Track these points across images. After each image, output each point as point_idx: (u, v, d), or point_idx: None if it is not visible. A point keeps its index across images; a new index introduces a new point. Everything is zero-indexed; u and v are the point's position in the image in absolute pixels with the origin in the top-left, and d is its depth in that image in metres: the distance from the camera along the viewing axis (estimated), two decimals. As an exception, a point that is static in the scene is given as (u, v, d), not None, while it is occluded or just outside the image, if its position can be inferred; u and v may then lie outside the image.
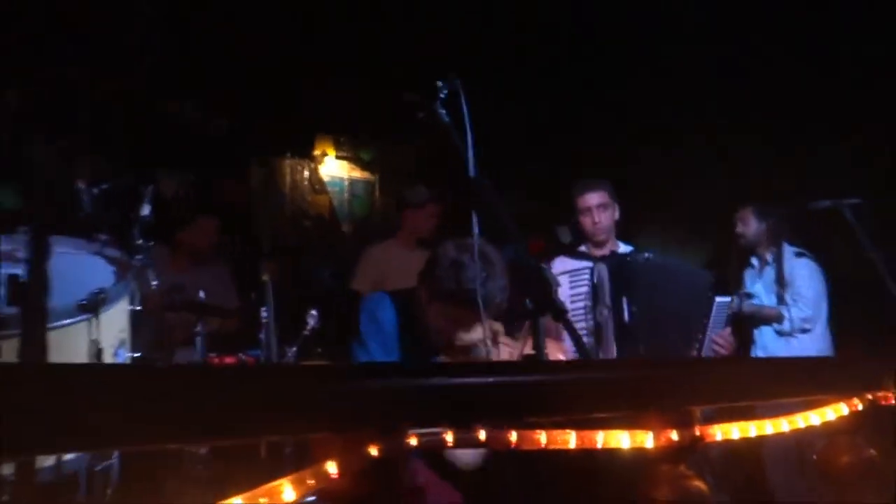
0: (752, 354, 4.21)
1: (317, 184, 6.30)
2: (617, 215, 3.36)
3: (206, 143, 5.53)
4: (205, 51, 5.18)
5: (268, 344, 3.57)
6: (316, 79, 5.53)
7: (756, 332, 4.26)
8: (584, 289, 3.00)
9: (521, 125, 5.52)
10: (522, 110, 5.54)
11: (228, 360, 3.75)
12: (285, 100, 5.63)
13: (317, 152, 6.32)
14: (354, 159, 6.47)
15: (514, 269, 1.98)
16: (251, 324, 3.87)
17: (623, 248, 3.37)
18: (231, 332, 4.30)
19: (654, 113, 5.19)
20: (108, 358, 1.77)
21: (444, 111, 1.95)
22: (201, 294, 3.68)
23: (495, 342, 2.23)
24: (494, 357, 2.23)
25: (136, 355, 2.00)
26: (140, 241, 2.08)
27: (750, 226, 4.26)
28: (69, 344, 1.64)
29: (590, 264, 3.09)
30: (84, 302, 1.66)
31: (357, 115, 5.92)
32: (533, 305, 1.53)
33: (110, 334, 1.76)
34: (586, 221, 3.30)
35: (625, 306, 2.91)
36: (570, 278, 3.00)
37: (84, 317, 1.65)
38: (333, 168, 6.39)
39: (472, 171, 1.84)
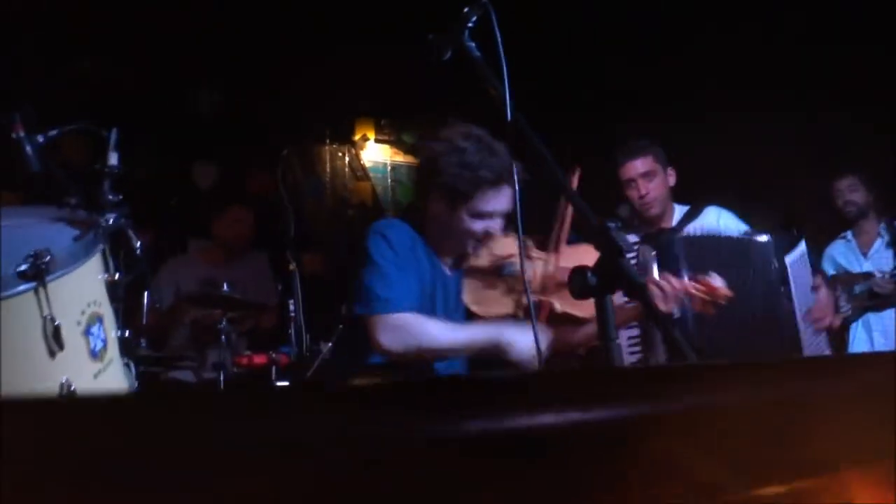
0: (868, 336, 3.69)
1: (358, 170, 5.97)
2: (672, 181, 2.83)
3: (239, 130, 5.26)
4: (228, 32, 4.89)
5: (298, 340, 3.24)
6: (351, 55, 5.18)
7: (873, 315, 3.69)
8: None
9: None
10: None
11: (258, 358, 3.46)
12: (320, 82, 5.30)
13: (357, 136, 5.98)
14: (397, 142, 6.11)
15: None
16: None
17: (680, 214, 2.83)
18: (268, 329, 4.02)
19: (723, 67, 4.62)
20: (73, 337, 1.40)
21: (473, 44, 1.57)
22: (225, 288, 3.38)
23: (528, 255, 1.99)
24: (529, 275, 1.92)
25: (124, 335, 1.62)
26: (110, 197, 1.71)
27: (859, 193, 3.79)
28: (14, 323, 1.29)
29: (634, 242, 2.63)
30: (23, 269, 1.30)
31: (397, 94, 5.55)
32: (598, 278, 1.12)
33: (72, 308, 1.40)
34: (632, 194, 2.78)
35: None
36: None
37: (24, 286, 1.29)
38: (375, 153, 6.05)
39: (509, 113, 1.44)
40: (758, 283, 2.42)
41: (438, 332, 1.82)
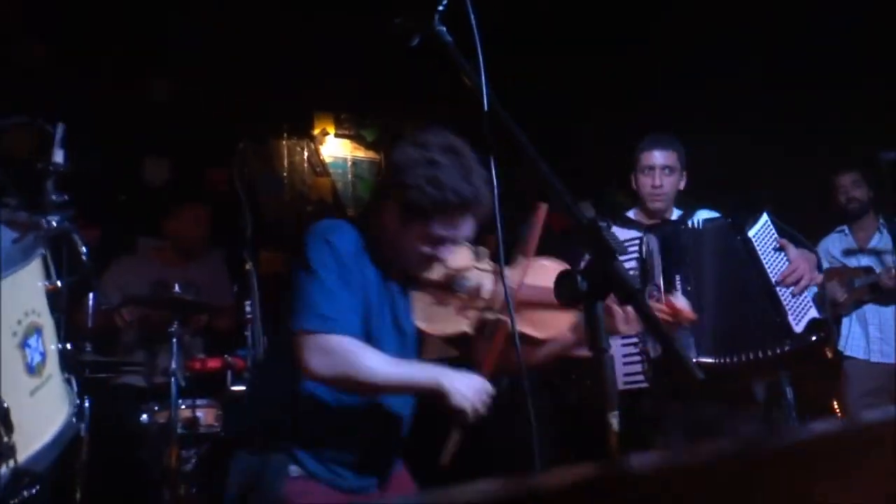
0: (863, 330, 3.72)
1: (317, 165, 5.81)
2: (683, 184, 2.84)
3: (194, 124, 5.06)
4: (183, 20, 4.69)
5: (254, 342, 3.09)
6: (310, 48, 5.03)
7: (868, 306, 3.73)
8: (633, 264, 2.50)
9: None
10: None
11: (213, 362, 3.31)
12: (279, 74, 5.14)
13: (316, 131, 5.82)
14: (357, 138, 5.97)
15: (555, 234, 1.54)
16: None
17: (676, 215, 2.85)
18: (225, 331, 3.86)
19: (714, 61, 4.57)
20: (8, 349, 1.25)
21: (443, 28, 1.46)
22: (177, 289, 3.21)
23: (482, 268, 1.86)
24: (486, 287, 1.84)
25: (64, 347, 1.47)
26: (54, 197, 1.56)
27: (862, 189, 3.81)
28: None
29: (639, 234, 2.59)
30: None
31: (358, 88, 5.42)
32: (588, 283, 1.02)
33: (7, 317, 1.27)
34: (645, 182, 2.77)
35: (678, 285, 2.42)
36: None
37: None
38: (335, 147, 5.89)
39: (486, 103, 1.33)
40: (738, 266, 2.50)
41: (376, 366, 1.64)
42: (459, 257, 1.85)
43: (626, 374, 2.38)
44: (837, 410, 3.82)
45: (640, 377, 2.36)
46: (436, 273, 1.84)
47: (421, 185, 1.66)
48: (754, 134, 4.60)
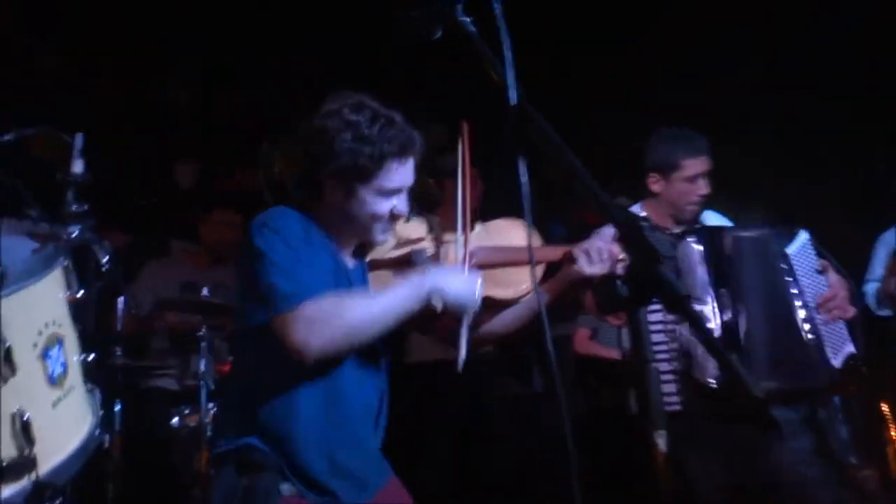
0: None
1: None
2: None
3: (221, 127, 5.06)
4: (208, 26, 4.69)
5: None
6: (334, 48, 4.99)
7: None
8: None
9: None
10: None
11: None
12: (305, 75, 5.11)
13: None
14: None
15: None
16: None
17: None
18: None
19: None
20: (28, 361, 1.22)
21: (467, 18, 1.38)
22: (205, 293, 3.19)
23: (439, 239, 1.80)
24: (443, 258, 1.79)
25: (87, 357, 1.44)
26: (74, 208, 1.53)
27: None
28: None
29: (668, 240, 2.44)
30: None
31: (382, 87, 5.35)
32: (629, 288, 0.95)
33: (27, 328, 1.25)
34: (689, 190, 2.51)
35: (724, 301, 2.21)
36: None
37: None
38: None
39: (512, 96, 1.26)
40: (787, 288, 2.33)
41: (362, 306, 1.58)
42: (412, 230, 1.81)
43: (666, 394, 2.11)
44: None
45: (675, 398, 2.13)
46: (391, 250, 1.80)
47: (352, 148, 1.62)
48: (759, 135, 4.48)
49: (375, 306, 1.60)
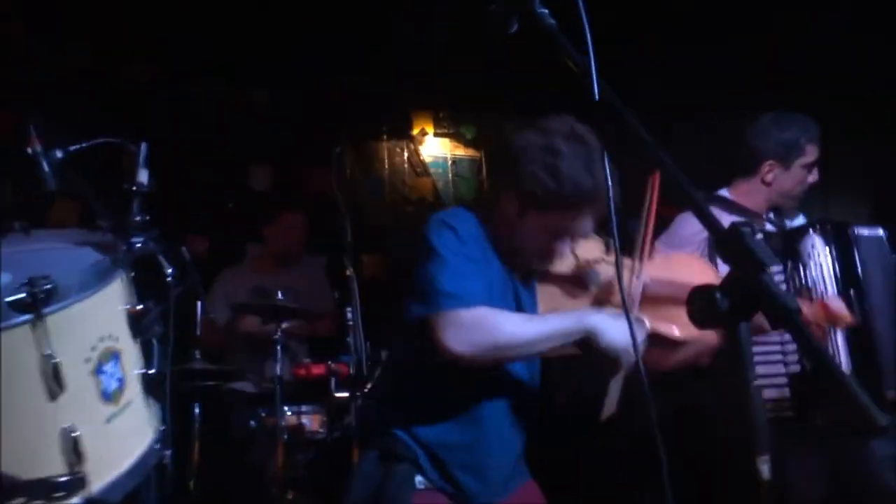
0: None
1: (418, 166, 5.75)
2: None
3: (294, 130, 5.10)
4: (278, 29, 4.72)
5: (356, 348, 3.04)
6: (404, 45, 4.96)
7: None
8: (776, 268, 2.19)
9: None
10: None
11: (317, 369, 3.29)
12: (376, 75, 5.11)
13: (415, 131, 5.76)
14: (457, 136, 5.86)
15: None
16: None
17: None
18: (326, 336, 3.85)
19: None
20: (80, 376, 1.20)
21: (545, 10, 1.30)
22: (280, 296, 3.20)
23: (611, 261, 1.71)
24: (613, 280, 1.70)
25: (149, 372, 1.41)
26: (138, 218, 1.52)
27: None
28: (6, 360, 1.11)
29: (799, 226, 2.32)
30: (18, 298, 1.10)
31: (455, 85, 5.30)
32: (730, 301, 0.85)
33: (79, 343, 1.22)
34: (804, 179, 2.41)
35: (854, 300, 2.12)
36: None
37: (17, 319, 1.09)
38: (434, 147, 5.81)
39: (596, 90, 1.17)
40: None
41: (516, 327, 1.55)
42: (590, 249, 1.74)
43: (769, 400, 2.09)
44: None
45: (787, 404, 2.09)
46: (565, 265, 1.73)
47: (538, 174, 1.58)
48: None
49: (530, 330, 1.57)
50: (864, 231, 2.28)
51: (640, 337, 1.57)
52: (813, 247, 2.18)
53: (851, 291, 2.13)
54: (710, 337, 1.69)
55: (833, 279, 2.16)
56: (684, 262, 1.75)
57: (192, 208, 4.67)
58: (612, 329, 1.54)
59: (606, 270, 1.72)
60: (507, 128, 1.68)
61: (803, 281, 2.16)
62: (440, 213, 1.68)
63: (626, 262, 1.76)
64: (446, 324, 1.51)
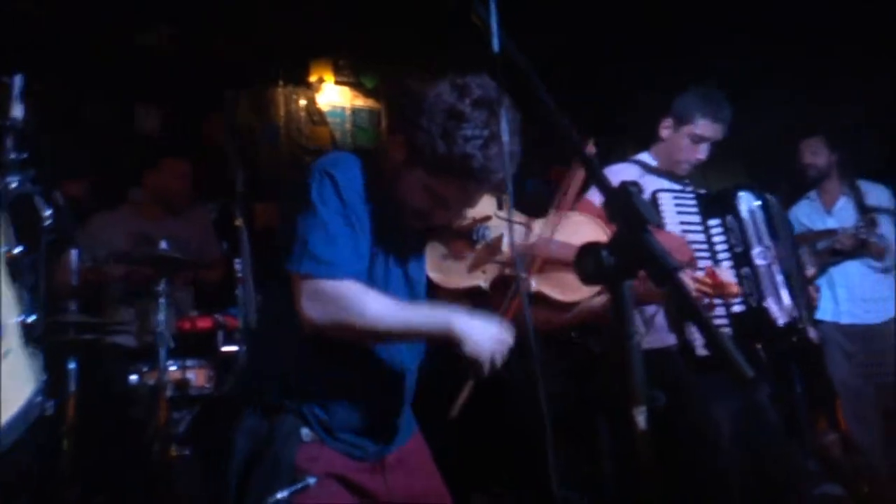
0: (832, 292, 3.71)
1: (315, 114, 5.60)
2: None
3: (186, 71, 4.83)
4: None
5: (246, 301, 2.95)
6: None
7: (835, 268, 3.72)
8: (696, 217, 2.36)
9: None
10: None
11: (203, 322, 3.18)
12: (274, 19, 4.89)
13: (313, 78, 5.59)
14: (356, 85, 5.73)
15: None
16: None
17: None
18: (214, 283, 3.71)
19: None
20: None
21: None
22: (163, 245, 3.05)
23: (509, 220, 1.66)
24: (507, 240, 1.68)
25: (26, 319, 1.31)
26: (13, 156, 1.39)
27: (821, 156, 3.80)
28: None
29: (679, 186, 2.48)
30: None
31: (356, 32, 5.17)
32: (616, 259, 0.86)
33: None
34: (688, 149, 2.57)
35: (781, 252, 2.36)
36: (674, 199, 2.33)
37: None
38: (333, 96, 5.67)
39: (496, 43, 1.16)
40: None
41: (378, 312, 1.49)
42: (481, 206, 1.68)
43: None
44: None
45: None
46: (457, 221, 1.68)
47: (432, 134, 1.49)
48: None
49: (392, 319, 1.51)
50: (771, 195, 2.52)
51: (505, 342, 1.55)
52: (750, 205, 2.37)
53: (778, 245, 2.36)
54: (597, 302, 1.72)
55: (766, 231, 2.35)
56: (580, 223, 1.75)
57: (73, 148, 4.37)
58: (478, 336, 1.51)
59: (496, 227, 1.69)
60: (420, 80, 1.60)
61: (740, 234, 2.34)
62: (324, 159, 1.58)
63: (521, 219, 1.75)
64: (310, 291, 1.46)
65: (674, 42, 4.57)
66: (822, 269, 3.68)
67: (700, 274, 2.02)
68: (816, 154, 3.79)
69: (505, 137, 1.19)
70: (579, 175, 1.68)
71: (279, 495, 1.47)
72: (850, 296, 3.68)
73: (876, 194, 3.73)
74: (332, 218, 1.49)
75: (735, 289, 2.02)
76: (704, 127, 2.54)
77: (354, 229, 1.52)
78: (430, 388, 1.77)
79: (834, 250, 3.58)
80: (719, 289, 1.94)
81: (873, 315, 3.64)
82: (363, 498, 1.60)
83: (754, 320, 2.28)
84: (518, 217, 1.73)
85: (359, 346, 1.60)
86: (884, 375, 3.56)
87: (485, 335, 1.52)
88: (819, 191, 3.84)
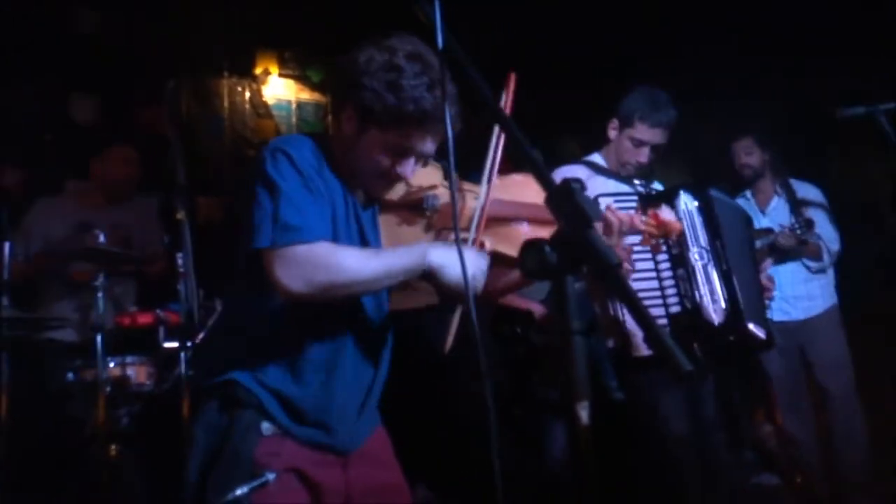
0: None
1: (260, 107, 5.51)
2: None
3: (125, 59, 4.69)
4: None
5: (187, 296, 2.89)
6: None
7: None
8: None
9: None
10: None
11: (144, 318, 3.10)
12: (219, 8, 4.79)
13: (258, 70, 5.50)
14: (302, 78, 5.66)
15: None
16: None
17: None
18: (156, 277, 3.62)
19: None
20: None
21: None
22: (101, 239, 2.97)
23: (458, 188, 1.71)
24: (458, 207, 1.67)
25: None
26: None
27: (754, 156, 3.85)
28: None
29: (629, 188, 2.53)
30: None
31: (302, 24, 5.10)
32: (558, 255, 0.87)
33: None
34: (631, 152, 2.64)
35: (720, 250, 2.36)
36: (615, 203, 2.39)
37: None
38: (278, 88, 5.59)
39: (440, 41, 1.16)
40: (742, 248, 2.54)
41: (357, 264, 1.50)
42: (426, 175, 1.71)
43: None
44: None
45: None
46: (401, 192, 1.69)
47: (379, 90, 1.52)
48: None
49: (370, 267, 1.51)
50: (716, 192, 2.54)
51: (482, 266, 1.58)
52: (686, 205, 2.38)
53: (717, 243, 2.38)
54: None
55: (704, 231, 2.38)
56: (522, 182, 1.81)
57: (4, 136, 4.21)
58: (454, 264, 1.51)
59: (443, 195, 1.71)
60: (354, 48, 1.61)
61: (677, 236, 2.35)
62: (275, 140, 1.59)
63: (470, 186, 1.77)
64: (283, 259, 1.45)
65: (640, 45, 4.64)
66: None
67: (644, 217, 2.06)
68: (751, 154, 3.85)
69: (447, 107, 1.22)
70: (500, 140, 1.73)
71: (238, 491, 1.45)
72: (781, 293, 3.69)
73: (807, 192, 3.81)
74: (293, 188, 1.50)
75: (678, 225, 2.07)
76: (643, 131, 2.61)
77: (315, 196, 1.53)
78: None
79: (772, 248, 3.61)
80: (664, 227, 2.01)
81: (801, 311, 3.73)
82: (321, 495, 1.59)
83: (690, 320, 2.33)
84: (462, 184, 1.75)
85: (326, 330, 1.59)
86: (816, 367, 3.68)
87: (458, 263, 1.51)
88: (753, 190, 3.91)
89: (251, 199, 1.51)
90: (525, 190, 1.80)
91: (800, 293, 3.75)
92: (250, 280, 1.54)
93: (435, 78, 1.52)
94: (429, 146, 1.60)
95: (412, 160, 1.60)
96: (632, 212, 2.07)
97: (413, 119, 1.53)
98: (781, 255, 3.67)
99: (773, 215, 3.81)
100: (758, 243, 3.63)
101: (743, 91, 4.35)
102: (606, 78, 3.31)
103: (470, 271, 1.48)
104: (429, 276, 1.53)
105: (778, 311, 3.73)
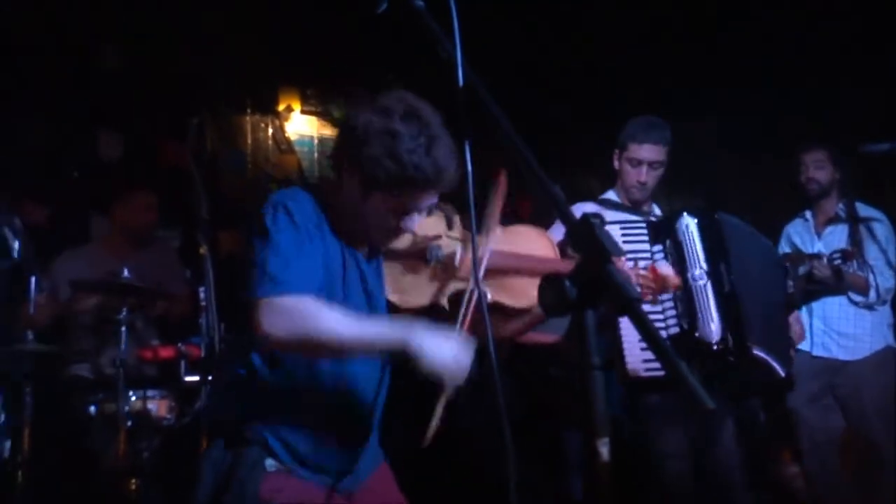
0: (808, 325, 3.41)
1: (282, 143, 5.59)
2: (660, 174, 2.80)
3: (148, 95, 4.79)
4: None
5: (209, 330, 2.91)
6: (275, 19, 4.79)
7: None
8: (646, 245, 2.44)
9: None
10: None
11: (165, 352, 3.12)
12: (243, 47, 4.90)
13: (281, 107, 5.59)
14: (324, 114, 5.75)
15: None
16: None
17: (657, 212, 2.84)
18: (180, 320, 3.64)
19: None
20: None
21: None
22: (126, 274, 3.01)
23: (454, 237, 1.77)
24: (460, 256, 1.77)
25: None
26: None
27: (825, 171, 3.43)
28: None
29: (638, 218, 2.58)
30: None
31: (325, 62, 5.19)
32: (578, 289, 0.87)
33: None
34: (630, 173, 2.76)
35: (723, 272, 2.39)
36: (621, 230, 2.42)
37: None
38: (301, 124, 5.67)
39: (461, 77, 1.18)
40: (769, 284, 2.64)
41: (336, 324, 1.51)
42: (431, 225, 1.75)
43: (647, 360, 2.27)
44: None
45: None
46: (406, 242, 1.73)
47: (379, 159, 1.55)
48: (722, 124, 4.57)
49: (348, 331, 1.53)
50: (728, 217, 2.57)
51: (466, 359, 1.56)
52: (687, 227, 2.43)
53: (721, 265, 2.40)
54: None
55: (704, 252, 2.40)
56: (524, 234, 1.83)
57: (33, 173, 4.30)
58: (437, 351, 1.52)
59: (447, 245, 1.74)
60: (355, 111, 1.64)
61: (677, 258, 2.40)
62: (276, 194, 1.63)
63: (467, 236, 1.80)
64: (267, 309, 1.48)
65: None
66: (805, 296, 3.35)
67: (642, 272, 2.09)
68: (821, 169, 3.42)
69: (467, 166, 1.23)
70: (502, 187, 1.76)
71: None
72: (825, 327, 3.44)
73: (872, 219, 3.39)
74: (285, 242, 1.53)
75: (676, 280, 2.12)
76: (636, 150, 2.74)
77: (308, 251, 1.56)
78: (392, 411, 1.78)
79: (809, 278, 3.19)
80: (661, 282, 2.04)
81: (844, 352, 3.39)
82: None
83: (686, 341, 2.33)
84: (463, 233, 1.78)
85: (322, 374, 1.61)
86: (856, 414, 3.36)
87: (442, 351, 1.53)
88: (815, 210, 3.51)
89: (250, 250, 1.56)
90: (525, 241, 1.83)
91: (846, 330, 3.40)
92: (244, 325, 1.56)
93: (433, 135, 1.56)
94: (432, 201, 1.64)
95: (416, 215, 1.65)
96: (630, 265, 2.11)
97: (415, 182, 1.56)
98: (819, 286, 3.26)
99: (827, 239, 3.45)
100: (800, 270, 3.21)
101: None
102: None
103: (448, 363, 1.52)
104: (409, 357, 1.53)
105: (819, 346, 3.44)
